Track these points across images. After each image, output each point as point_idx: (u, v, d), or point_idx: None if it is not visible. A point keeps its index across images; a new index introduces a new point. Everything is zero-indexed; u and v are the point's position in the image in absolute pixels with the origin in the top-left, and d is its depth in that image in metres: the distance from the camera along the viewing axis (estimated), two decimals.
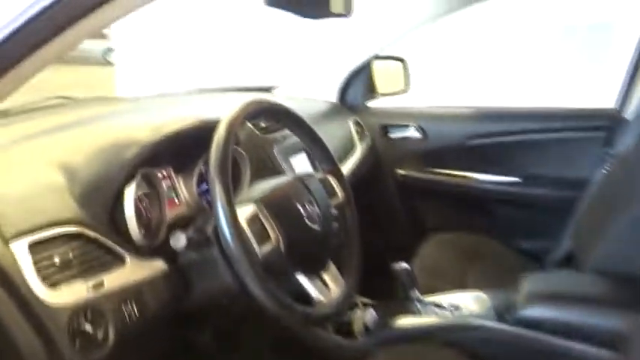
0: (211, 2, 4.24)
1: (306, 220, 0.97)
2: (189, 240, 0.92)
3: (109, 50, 7.84)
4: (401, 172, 1.94)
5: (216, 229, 0.87)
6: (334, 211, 1.05)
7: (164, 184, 1.05)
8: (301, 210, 0.97)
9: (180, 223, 1.03)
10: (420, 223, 1.92)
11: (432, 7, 1.83)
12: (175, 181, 1.09)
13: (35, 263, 0.77)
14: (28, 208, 0.82)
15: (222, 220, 0.83)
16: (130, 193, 0.92)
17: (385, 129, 1.97)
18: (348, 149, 1.77)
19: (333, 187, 1.09)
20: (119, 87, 5.07)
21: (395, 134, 1.96)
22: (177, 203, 1.08)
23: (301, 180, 1.03)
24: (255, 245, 0.87)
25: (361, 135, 1.89)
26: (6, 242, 0.76)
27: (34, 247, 0.78)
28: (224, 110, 1.05)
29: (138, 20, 4.64)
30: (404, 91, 2.02)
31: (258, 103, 1.01)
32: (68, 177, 0.89)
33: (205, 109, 1.43)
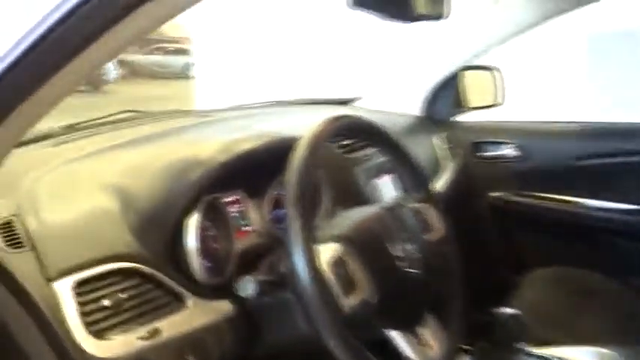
0: (290, 13, 4.19)
1: (400, 263, 0.80)
2: (259, 284, 0.78)
3: (190, 64, 8.05)
4: (495, 195, 1.72)
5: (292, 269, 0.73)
6: (432, 250, 0.88)
7: (233, 211, 0.92)
8: (394, 250, 0.80)
9: (251, 256, 0.89)
10: (518, 255, 1.69)
11: (524, 16, 1.63)
12: (246, 206, 0.96)
13: (81, 306, 0.66)
14: (75, 241, 0.71)
15: (300, 265, 0.68)
16: (193, 223, 0.79)
17: (477, 146, 1.77)
18: (435, 169, 1.60)
19: (429, 220, 0.92)
20: (198, 100, 5.13)
21: (488, 152, 1.75)
22: (248, 232, 0.95)
23: (392, 211, 0.86)
24: (339, 297, 0.71)
25: (450, 153, 1.70)
26: (49, 281, 0.66)
27: (80, 287, 0.67)
28: (303, 126, 0.91)
29: (219, 33, 4.68)
30: (497, 103, 1.82)
31: (343, 120, 0.86)
32: (123, 203, 0.78)
33: (282, 124, 1.31)
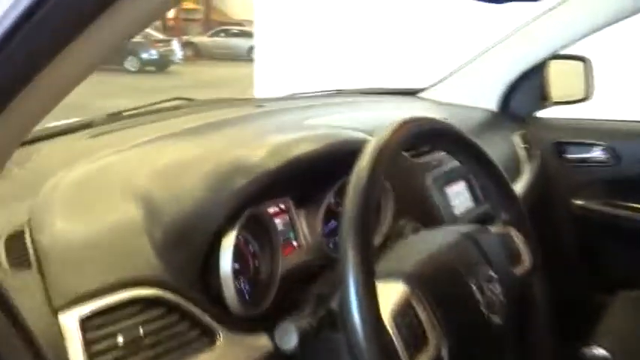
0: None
1: (483, 309, 0.64)
2: (302, 333, 0.63)
3: (253, 48, 8.06)
4: (579, 203, 1.52)
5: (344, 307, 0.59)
6: (519, 288, 0.71)
7: (279, 223, 0.80)
8: (476, 292, 0.65)
9: (297, 277, 0.77)
10: (603, 273, 1.49)
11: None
12: (295, 216, 0.83)
13: (89, 346, 0.55)
14: (90, 261, 0.60)
15: (356, 318, 0.53)
16: (231, 243, 0.67)
17: (560, 147, 1.56)
18: (511, 172, 1.41)
19: (517, 249, 0.75)
20: (258, 85, 5.06)
21: (573, 154, 1.55)
22: (295, 247, 0.82)
23: (473, 238, 0.70)
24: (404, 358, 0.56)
25: (529, 154, 1.51)
26: (54, 313, 0.55)
27: (91, 320, 0.56)
28: (367, 123, 0.76)
29: (281, 17, 4.57)
30: (584, 98, 1.61)
31: (418, 125, 0.70)
32: (149, 213, 0.66)
33: (343, 119, 1.17)
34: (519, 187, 1.39)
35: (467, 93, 1.63)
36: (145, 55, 12.36)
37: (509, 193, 0.79)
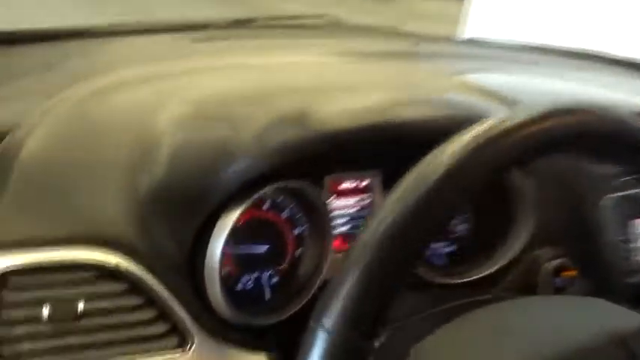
0: None
1: None
2: None
3: None
4: None
5: None
6: None
7: (353, 205, 0.59)
8: None
9: None
10: None
11: None
12: (379, 201, 0.61)
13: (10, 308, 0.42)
14: (49, 201, 0.46)
15: None
16: (229, 221, 0.48)
17: None
18: None
19: None
20: (469, 19, 4.59)
21: None
22: None
23: (628, 347, 0.39)
24: None
25: None
26: None
27: (16, 276, 0.43)
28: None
29: None
30: None
31: (583, 120, 0.39)
32: (142, 153, 0.49)
33: (509, 85, 0.87)
34: None
35: None
36: None
37: None
